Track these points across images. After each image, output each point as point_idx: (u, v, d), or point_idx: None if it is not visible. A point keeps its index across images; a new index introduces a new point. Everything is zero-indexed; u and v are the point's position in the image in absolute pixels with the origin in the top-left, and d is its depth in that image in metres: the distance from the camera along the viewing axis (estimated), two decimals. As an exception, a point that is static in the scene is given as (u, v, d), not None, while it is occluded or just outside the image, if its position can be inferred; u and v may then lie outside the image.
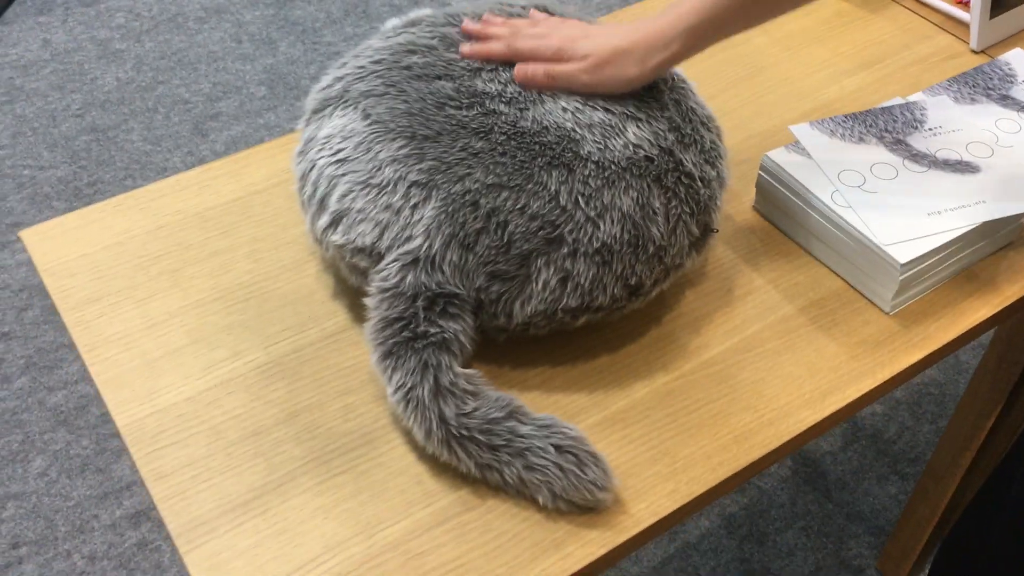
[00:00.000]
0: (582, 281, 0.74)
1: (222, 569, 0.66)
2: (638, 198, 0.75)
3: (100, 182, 2.10)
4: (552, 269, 0.74)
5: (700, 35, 0.78)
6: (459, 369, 0.71)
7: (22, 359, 1.78)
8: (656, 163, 0.77)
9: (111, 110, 2.27)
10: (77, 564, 1.51)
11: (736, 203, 0.93)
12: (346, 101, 0.80)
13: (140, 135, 2.21)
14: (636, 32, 0.78)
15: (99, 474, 1.62)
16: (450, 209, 0.73)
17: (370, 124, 0.78)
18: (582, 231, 0.73)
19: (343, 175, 0.76)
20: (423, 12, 0.89)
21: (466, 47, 0.81)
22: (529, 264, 0.73)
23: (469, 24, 0.83)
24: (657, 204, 0.76)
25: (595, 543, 0.68)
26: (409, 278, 0.72)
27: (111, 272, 0.84)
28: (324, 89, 0.84)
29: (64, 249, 0.86)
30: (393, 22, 0.88)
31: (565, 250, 0.73)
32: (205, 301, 0.82)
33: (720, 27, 0.78)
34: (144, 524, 1.56)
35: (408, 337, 0.72)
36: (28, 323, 1.84)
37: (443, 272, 0.73)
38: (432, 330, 0.72)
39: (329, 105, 0.82)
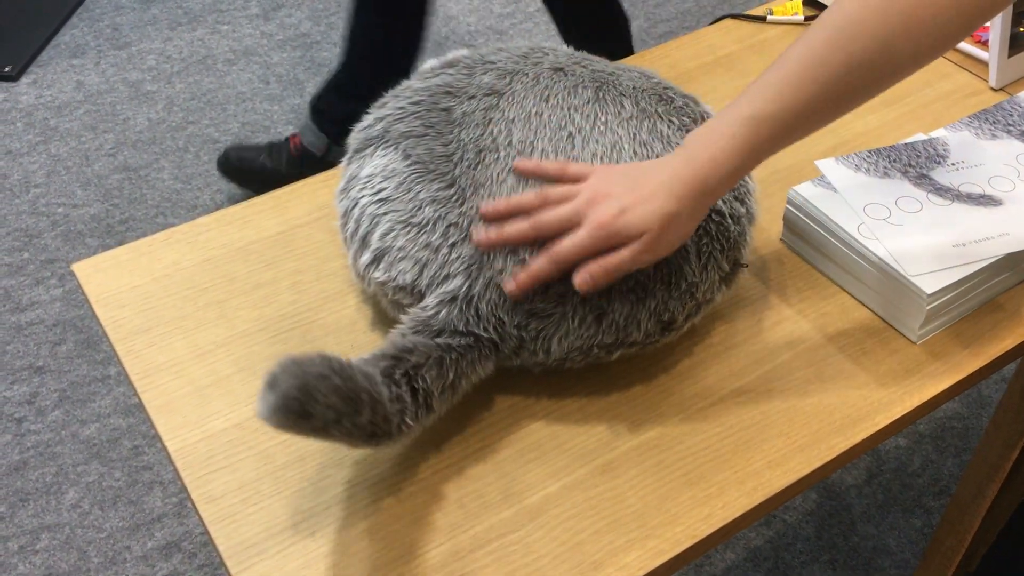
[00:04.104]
0: (617, 318, 0.77)
1: (272, 589, 0.68)
2: None
3: (132, 219, 2.14)
4: (588, 307, 0.76)
5: (742, 173, 0.73)
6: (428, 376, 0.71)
7: (56, 393, 1.81)
8: None
9: (143, 149, 2.32)
10: (109, 595, 1.53)
11: (764, 237, 0.95)
12: (387, 141, 0.83)
13: (171, 174, 2.25)
14: (676, 186, 0.71)
15: (131, 506, 1.65)
16: (489, 252, 0.75)
17: (410, 164, 0.80)
18: (626, 275, 0.76)
19: (384, 214, 0.79)
20: (460, 53, 0.92)
21: (506, 280, 0.74)
22: (565, 303, 0.76)
23: (482, 236, 0.75)
24: (689, 242, 0.79)
25: (633, 565, 0.70)
26: (443, 313, 0.75)
27: (160, 303, 0.87)
28: (365, 128, 0.87)
29: (115, 281, 0.89)
30: (431, 63, 0.92)
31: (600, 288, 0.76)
32: (251, 331, 0.85)
33: (758, 160, 0.73)
34: (175, 556, 1.58)
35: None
36: (62, 357, 1.87)
37: (479, 311, 0.75)
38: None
39: (371, 144, 0.85)
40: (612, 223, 0.71)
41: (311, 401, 0.62)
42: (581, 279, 0.72)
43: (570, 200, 0.74)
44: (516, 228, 0.74)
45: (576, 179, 0.76)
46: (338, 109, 2.03)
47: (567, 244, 0.72)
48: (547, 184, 0.77)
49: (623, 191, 0.72)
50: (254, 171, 2.10)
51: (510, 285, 0.74)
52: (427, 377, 0.71)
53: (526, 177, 0.78)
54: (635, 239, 0.71)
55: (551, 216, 0.73)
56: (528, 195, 0.76)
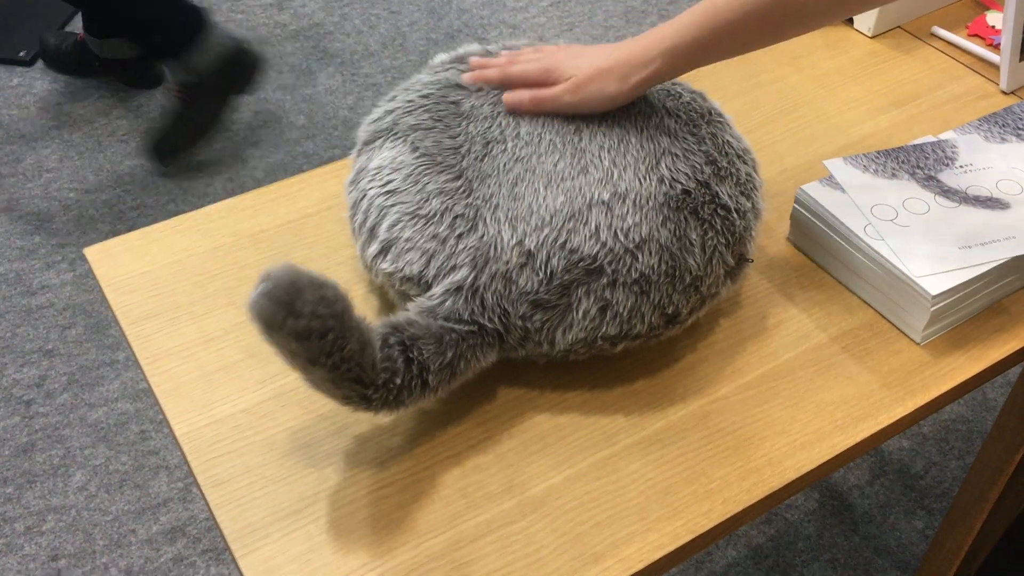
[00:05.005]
0: (621, 310, 0.77)
1: (275, 574, 0.69)
2: (675, 230, 0.78)
3: (143, 206, 2.15)
4: (592, 299, 0.77)
5: (681, 56, 0.80)
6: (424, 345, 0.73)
7: (65, 376, 1.83)
8: (693, 196, 0.80)
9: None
10: (114, 577, 1.54)
11: (771, 235, 0.96)
12: (396, 134, 0.84)
13: (182, 161, 2.26)
14: (618, 51, 0.82)
15: (137, 490, 1.66)
16: (495, 244, 0.76)
17: (419, 157, 0.81)
18: (621, 262, 0.76)
19: (392, 205, 0.80)
20: (471, 48, 0.93)
21: (467, 75, 0.87)
22: (570, 294, 0.76)
23: (476, 59, 0.89)
24: (694, 236, 0.79)
25: (633, 558, 0.70)
26: (448, 303, 0.76)
27: (170, 289, 0.88)
28: (375, 121, 0.87)
29: (126, 266, 0.90)
30: (441, 57, 0.92)
31: (605, 280, 0.76)
32: (259, 318, 0.85)
33: (702, 50, 0.80)
34: (180, 540, 1.59)
35: None
36: (71, 341, 1.89)
37: (484, 302, 0.76)
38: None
39: (380, 137, 0.85)
40: (556, 66, 0.84)
41: (299, 298, 0.63)
42: (508, 96, 0.84)
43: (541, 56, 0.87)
44: (496, 59, 0.88)
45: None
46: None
47: (516, 68, 0.85)
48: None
49: (579, 50, 0.86)
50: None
51: (466, 76, 0.87)
52: (424, 350, 0.72)
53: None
54: (566, 82, 0.82)
55: (523, 56, 0.87)
56: (502, 58, 0.88)
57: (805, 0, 0.77)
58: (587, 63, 0.83)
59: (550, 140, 0.81)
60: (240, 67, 2.21)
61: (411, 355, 0.72)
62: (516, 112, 0.83)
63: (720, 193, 0.81)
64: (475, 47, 0.92)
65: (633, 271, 0.77)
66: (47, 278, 2.00)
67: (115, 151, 2.29)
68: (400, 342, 0.71)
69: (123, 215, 2.13)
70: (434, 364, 0.73)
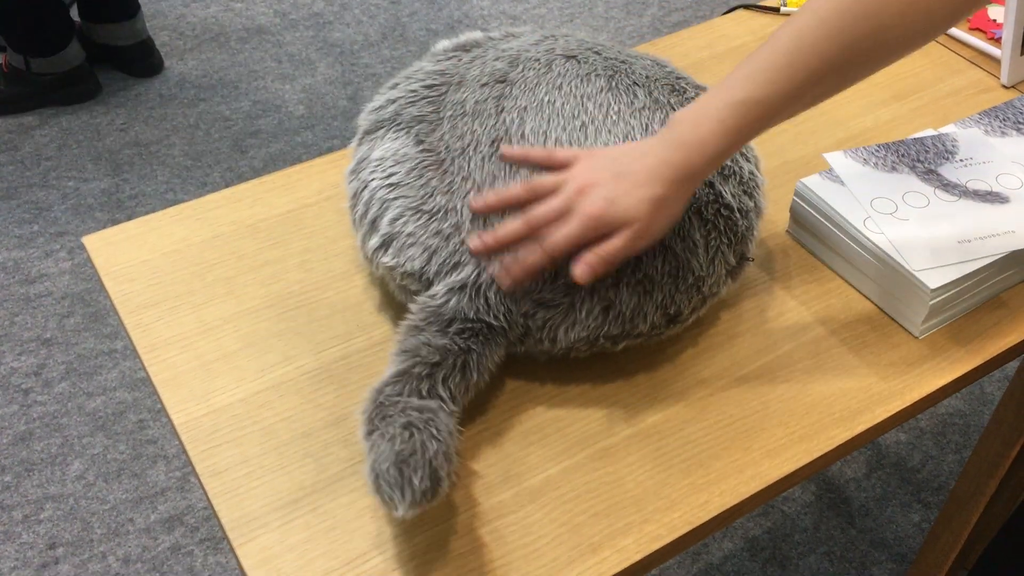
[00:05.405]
0: (624, 310, 0.77)
1: (273, 563, 0.69)
2: (679, 231, 0.78)
3: (142, 195, 2.15)
4: (595, 298, 0.76)
5: (728, 155, 0.72)
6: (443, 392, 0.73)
7: (63, 365, 1.83)
8: (697, 196, 0.80)
9: (154, 125, 2.33)
10: (112, 566, 1.54)
11: (770, 227, 0.96)
12: (398, 124, 0.84)
13: (181, 150, 2.26)
14: (664, 171, 0.71)
15: (135, 479, 1.66)
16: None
17: (422, 151, 0.81)
18: (625, 262, 0.76)
19: (395, 199, 0.79)
20: (473, 35, 0.92)
21: (499, 272, 0.74)
22: (573, 293, 0.76)
23: (478, 243, 0.75)
24: (697, 236, 0.79)
25: (630, 549, 0.71)
26: (452, 302, 0.75)
27: (169, 278, 0.88)
28: (377, 110, 0.87)
29: (125, 255, 0.90)
30: (443, 44, 0.92)
31: (608, 280, 0.76)
32: (258, 308, 0.85)
33: (745, 141, 0.72)
34: (177, 529, 1.59)
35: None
36: (69, 330, 1.88)
37: (487, 300, 0.75)
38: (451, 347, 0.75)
39: (382, 127, 0.85)
40: (603, 214, 0.71)
41: (440, 480, 0.67)
42: (580, 271, 0.71)
43: (559, 191, 0.73)
44: (510, 228, 0.74)
45: (563, 165, 0.76)
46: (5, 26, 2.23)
47: (560, 237, 0.72)
48: (535, 172, 0.78)
49: (610, 178, 0.72)
50: None
51: (504, 279, 0.74)
52: (450, 384, 0.73)
53: (513, 164, 0.78)
54: (627, 227, 0.71)
55: (543, 211, 0.73)
56: (516, 188, 0.75)
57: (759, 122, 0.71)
58: (636, 200, 0.71)
59: (556, 138, 0.80)
60: (72, 86, 2.34)
61: (446, 395, 0.73)
62: (592, 280, 0.73)
63: (724, 192, 0.81)
64: (478, 34, 0.92)
65: (636, 271, 0.77)
66: (45, 267, 2.00)
67: (114, 139, 2.28)
68: (445, 388, 0.73)
69: (122, 204, 2.13)
70: (460, 391, 0.74)
